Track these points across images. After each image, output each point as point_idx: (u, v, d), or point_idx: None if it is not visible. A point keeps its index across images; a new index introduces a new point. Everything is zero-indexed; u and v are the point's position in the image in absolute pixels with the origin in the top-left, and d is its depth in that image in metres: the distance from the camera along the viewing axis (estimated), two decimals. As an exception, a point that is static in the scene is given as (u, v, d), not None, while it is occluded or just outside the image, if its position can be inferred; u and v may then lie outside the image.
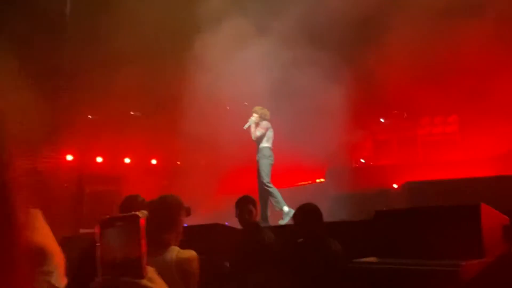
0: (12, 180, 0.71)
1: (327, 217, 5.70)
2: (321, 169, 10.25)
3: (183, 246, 2.81)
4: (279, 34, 9.39)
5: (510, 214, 3.64)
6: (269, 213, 7.69)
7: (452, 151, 9.35)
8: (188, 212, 2.88)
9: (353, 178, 9.43)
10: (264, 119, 7.74)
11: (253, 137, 7.71)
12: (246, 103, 8.91)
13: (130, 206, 3.24)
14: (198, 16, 9.72)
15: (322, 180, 10.29)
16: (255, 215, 4.95)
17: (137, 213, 0.85)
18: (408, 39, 8.84)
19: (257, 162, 7.74)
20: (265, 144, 7.68)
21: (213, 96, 9.32)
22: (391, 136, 10.63)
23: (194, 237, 5.88)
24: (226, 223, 6.63)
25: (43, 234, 0.93)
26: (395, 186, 8.49)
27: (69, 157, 11.69)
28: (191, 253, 2.70)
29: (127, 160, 12.54)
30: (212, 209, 8.93)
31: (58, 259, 0.93)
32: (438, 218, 3.68)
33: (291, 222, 4.84)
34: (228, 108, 10.36)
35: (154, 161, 13.04)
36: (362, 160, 11.33)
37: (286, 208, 7.35)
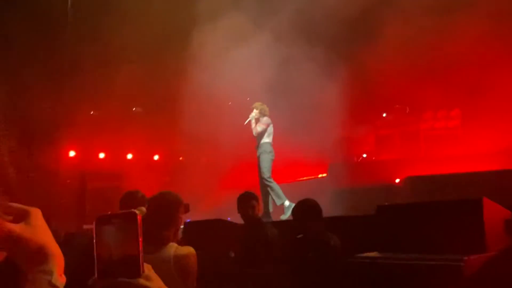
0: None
1: (329, 212, 5.70)
2: (323, 164, 10.24)
3: (185, 241, 2.81)
4: (282, 29, 9.36)
5: (512, 208, 3.63)
6: (271, 209, 7.70)
7: (454, 145, 9.31)
8: (187, 209, 2.87)
9: (355, 173, 9.41)
10: (264, 115, 7.77)
11: (254, 132, 7.74)
12: (248, 98, 8.92)
13: (130, 202, 3.24)
14: (200, 14, 9.70)
15: (324, 175, 10.29)
16: (257, 211, 4.96)
17: (134, 210, 0.84)
18: (411, 32, 8.80)
19: (258, 157, 7.77)
20: (266, 139, 7.71)
21: (215, 92, 9.31)
22: (394, 131, 10.59)
23: (197, 232, 5.92)
24: (228, 219, 6.64)
25: (43, 232, 0.93)
26: (397, 180, 8.47)
27: (72, 153, 11.73)
28: (189, 250, 2.70)
29: (129, 156, 12.58)
30: (214, 204, 8.96)
31: (57, 258, 0.93)
32: (440, 213, 3.68)
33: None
34: (230, 103, 10.36)
35: (156, 157, 13.07)
36: (364, 155, 11.32)
37: (287, 203, 7.36)
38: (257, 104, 7.84)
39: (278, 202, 7.53)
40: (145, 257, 0.83)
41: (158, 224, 2.69)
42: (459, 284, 3.02)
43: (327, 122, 9.25)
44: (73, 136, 11.12)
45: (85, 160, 11.76)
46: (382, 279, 3.50)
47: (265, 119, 7.76)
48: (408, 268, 3.35)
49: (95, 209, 10.27)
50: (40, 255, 0.90)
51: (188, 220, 6.28)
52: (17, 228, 0.89)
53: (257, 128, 7.71)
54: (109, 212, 0.85)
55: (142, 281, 0.83)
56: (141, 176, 10.33)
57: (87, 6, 10.54)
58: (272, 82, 9.15)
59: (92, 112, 12.17)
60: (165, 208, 2.78)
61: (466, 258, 3.10)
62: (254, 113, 7.77)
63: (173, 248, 2.68)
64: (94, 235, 0.84)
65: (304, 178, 10.88)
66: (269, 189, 7.58)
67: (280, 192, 7.56)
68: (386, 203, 5.17)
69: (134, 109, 12.62)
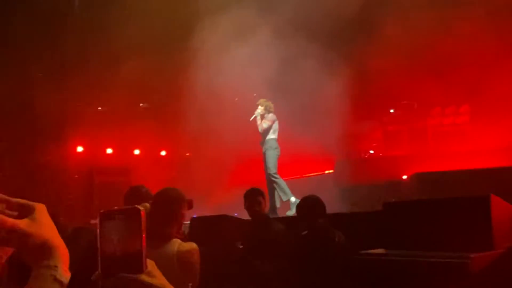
0: None
1: (336, 208, 5.70)
2: (330, 160, 10.22)
3: (192, 236, 2.82)
4: (292, 24, 9.30)
5: (520, 205, 3.60)
6: (278, 205, 7.71)
7: (463, 141, 9.24)
8: (190, 205, 2.88)
9: (362, 169, 9.38)
10: (270, 112, 7.81)
11: (260, 129, 7.80)
12: (255, 95, 8.92)
13: (134, 197, 3.23)
14: (208, 9, 9.68)
15: (331, 171, 10.27)
16: (264, 207, 4.95)
17: (138, 206, 0.84)
18: (419, 28, 8.74)
19: (264, 153, 7.82)
20: (271, 136, 7.76)
21: (221, 88, 9.31)
22: (401, 127, 10.53)
23: (203, 228, 5.92)
24: (235, 214, 6.65)
25: (47, 228, 0.93)
26: (404, 177, 8.44)
27: (80, 149, 11.80)
28: (192, 246, 2.71)
29: (136, 152, 12.62)
30: (221, 200, 8.97)
31: (62, 253, 0.93)
32: (447, 210, 3.65)
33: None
34: (236, 99, 10.36)
35: (163, 153, 13.10)
36: (372, 151, 11.27)
37: (293, 199, 7.38)
38: (262, 100, 7.90)
39: (284, 198, 7.55)
40: (148, 252, 0.83)
41: (161, 220, 2.70)
42: (465, 282, 3.01)
43: (334, 118, 9.22)
44: (81, 131, 11.18)
45: (93, 155, 11.83)
46: (387, 276, 3.48)
47: (271, 116, 7.81)
48: (414, 266, 3.33)
49: (103, 204, 10.33)
50: (44, 250, 0.90)
51: (194, 216, 6.29)
52: (21, 223, 0.90)
53: (263, 125, 7.75)
54: (113, 208, 0.85)
55: (145, 277, 0.83)
56: (148, 172, 10.37)
57: (93, 3, 10.58)
58: (279, 79, 9.13)
59: (99, 108, 12.23)
60: (168, 205, 2.79)
61: (473, 255, 3.08)
62: (260, 109, 7.82)
63: (176, 244, 2.69)
64: (98, 231, 0.84)
65: (311, 174, 10.87)
66: (275, 185, 7.60)
67: (286, 188, 7.57)
68: (393, 200, 5.16)
69: (141, 105, 12.66)
